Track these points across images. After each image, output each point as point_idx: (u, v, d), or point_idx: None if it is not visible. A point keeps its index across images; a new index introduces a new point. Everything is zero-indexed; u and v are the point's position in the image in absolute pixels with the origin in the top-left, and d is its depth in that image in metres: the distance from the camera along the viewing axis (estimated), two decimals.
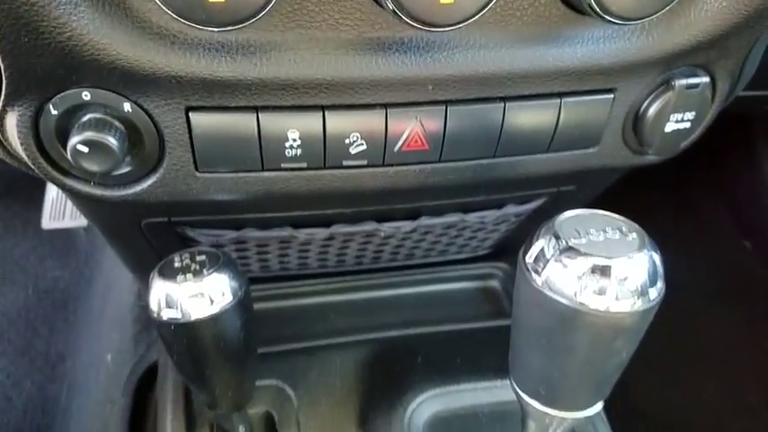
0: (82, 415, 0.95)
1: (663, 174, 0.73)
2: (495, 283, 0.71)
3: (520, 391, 0.40)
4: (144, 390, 0.80)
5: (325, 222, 0.57)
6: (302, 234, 0.58)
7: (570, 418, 0.39)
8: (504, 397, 0.53)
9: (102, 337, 0.96)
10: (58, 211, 1.04)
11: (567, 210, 0.49)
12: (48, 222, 1.03)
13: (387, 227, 0.59)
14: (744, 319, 1.20)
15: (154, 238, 0.54)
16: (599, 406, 0.39)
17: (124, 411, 0.84)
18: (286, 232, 0.58)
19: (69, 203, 1.04)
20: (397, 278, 0.69)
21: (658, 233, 0.38)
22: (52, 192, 1.04)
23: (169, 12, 0.30)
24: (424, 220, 0.58)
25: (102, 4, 0.31)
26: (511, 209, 0.59)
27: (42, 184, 1.04)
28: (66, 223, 1.03)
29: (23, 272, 1.10)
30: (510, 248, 0.71)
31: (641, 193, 1.06)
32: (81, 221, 1.06)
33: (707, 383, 1.09)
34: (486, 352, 0.58)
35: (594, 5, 0.34)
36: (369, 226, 0.58)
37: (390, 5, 0.32)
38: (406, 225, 0.59)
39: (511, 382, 0.41)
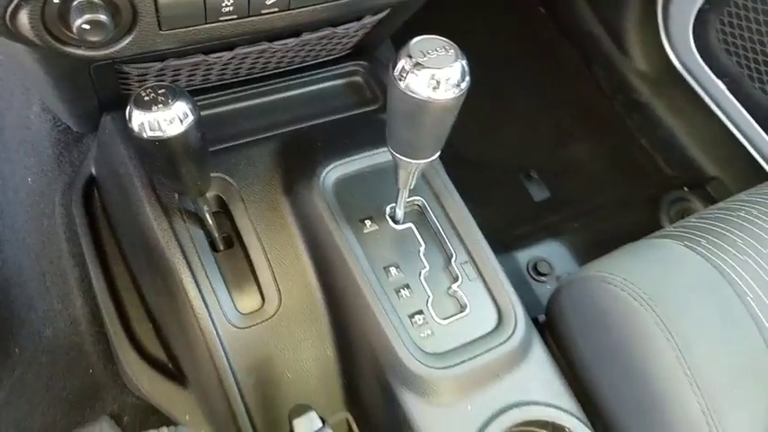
0: (16, 234, 1.07)
1: None
2: (358, 78, 0.92)
3: (394, 152, 0.65)
4: (83, 201, 0.95)
5: (229, 47, 0.73)
6: (211, 58, 0.74)
7: (422, 163, 0.66)
8: (381, 159, 0.78)
9: (15, 164, 1.05)
10: None
11: (401, 18, 0.71)
12: None
13: (277, 44, 0.77)
14: (538, 74, 1.56)
15: (96, 75, 0.68)
16: (437, 155, 0.66)
17: (67, 221, 1.00)
18: (199, 58, 0.73)
19: None
20: (283, 84, 0.88)
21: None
22: None
23: None
24: (305, 36, 0.77)
25: None
26: (367, 19, 0.79)
27: None
28: None
29: None
30: (363, 49, 0.91)
31: None
32: None
33: (511, 129, 1.47)
34: (362, 131, 0.82)
35: None
36: (263, 45, 0.76)
37: None
38: (291, 41, 0.77)
39: (389, 148, 0.65)
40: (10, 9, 0.48)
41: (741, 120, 1.32)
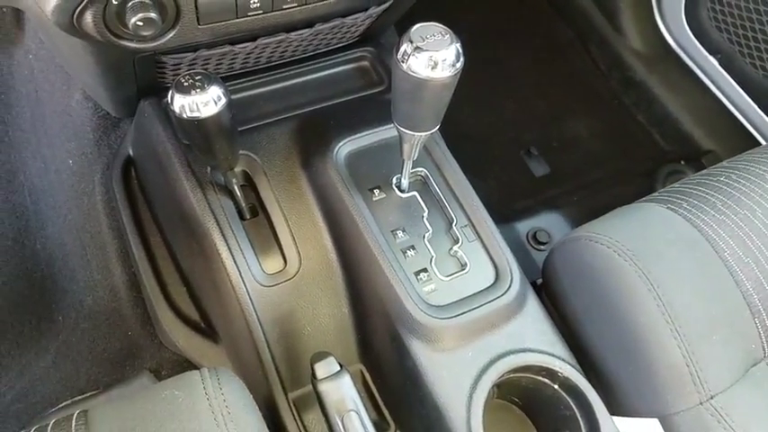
0: (58, 212, 1.18)
1: None
2: (365, 63, 1.01)
3: (399, 126, 0.73)
4: (122, 179, 1.06)
5: (252, 38, 0.82)
6: (237, 48, 0.83)
7: (424, 135, 0.74)
8: (387, 135, 0.86)
9: (57, 148, 1.15)
10: None
11: (404, 7, 0.79)
12: None
13: (293, 34, 0.85)
14: (536, 53, 1.63)
15: (138, 65, 0.77)
16: (437, 127, 0.73)
17: (106, 198, 1.10)
18: (226, 48, 0.83)
19: None
20: (299, 70, 0.97)
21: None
22: None
23: None
24: (318, 26, 0.85)
25: None
26: (372, 10, 0.87)
27: None
28: None
29: None
30: (370, 35, 0.99)
31: None
32: None
33: (508, 104, 1.52)
34: (370, 111, 0.90)
35: None
36: (281, 36, 0.84)
37: None
38: (306, 31, 0.86)
39: (394, 123, 0.72)
40: (78, 10, 0.57)
41: (734, 94, 1.38)
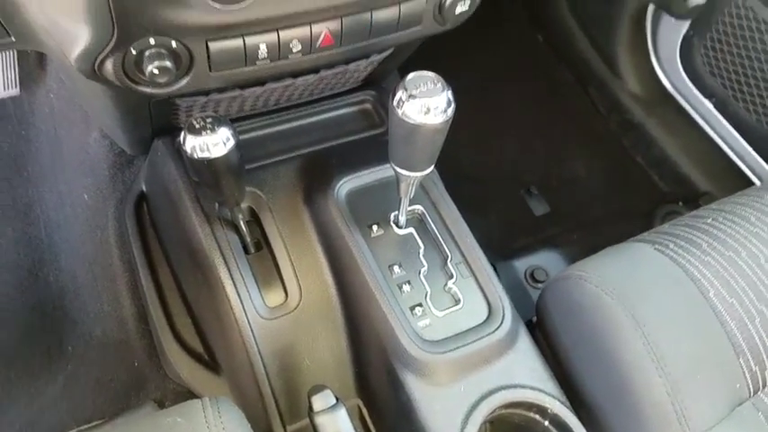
0: (72, 245, 1.22)
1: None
2: (368, 106, 1.06)
3: (395, 167, 0.78)
4: (135, 214, 1.10)
5: (261, 83, 0.87)
6: (247, 92, 0.89)
7: (419, 175, 0.78)
8: (386, 174, 0.90)
9: (73, 183, 1.20)
10: None
11: (404, 54, 0.84)
12: None
13: (299, 80, 0.91)
14: (536, 95, 1.68)
15: (154, 108, 0.83)
16: (431, 168, 0.78)
17: (119, 232, 1.15)
18: (236, 92, 0.88)
19: (1, 78, 1.19)
20: (304, 112, 1.03)
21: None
22: None
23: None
24: (323, 72, 0.91)
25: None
26: (374, 57, 0.93)
27: None
28: (2, 95, 1.19)
29: None
30: (373, 80, 1.05)
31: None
32: (12, 92, 1.22)
33: (509, 144, 1.56)
34: (371, 151, 0.94)
35: None
36: (288, 81, 0.90)
37: None
38: (311, 77, 0.91)
39: (390, 164, 0.77)
40: (99, 59, 0.63)
41: (729, 137, 1.41)
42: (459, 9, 0.76)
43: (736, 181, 1.40)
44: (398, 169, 0.76)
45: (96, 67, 0.64)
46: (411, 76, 0.68)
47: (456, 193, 0.99)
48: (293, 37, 0.69)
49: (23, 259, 1.22)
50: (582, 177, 1.53)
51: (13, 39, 0.66)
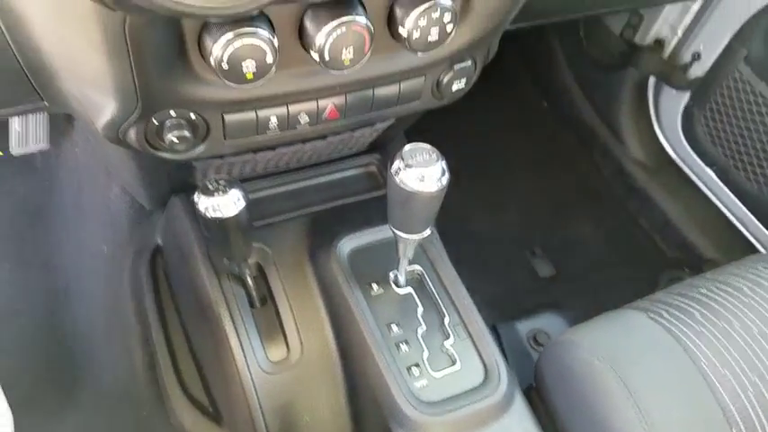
0: (89, 294, 1.27)
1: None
2: (373, 168, 1.11)
3: (394, 229, 0.82)
4: (150, 267, 1.16)
5: (272, 147, 0.93)
6: (258, 156, 0.95)
7: (416, 237, 0.82)
8: (387, 233, 0.92)
9: (93, 234, 1.26)
10: (23, 139, 1.28)
11: (409, 121, 0.90)
12: (16, 149, 1.27)
13: (308, 145, 0.97)
14: (541, 159, 1.72)
15: (173, 169, 0.89)
16: (428, 231, 0.82)
17: (134, 283, 1.19)
18: (249, 156, 0.94)
19: (31, 132, 1.27)
20: (313, 173, 1.08)
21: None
22: (15, 125, 1.27)
23: (221, 78, 0.63)
24: (330, 139, 0.97)
25: (194, 78, 0.64)
26: (378, 125, 0.98)
27: (3, 122, 1.25)
28: (31, 148, 1.28)
29: None
30: (377, 145, 1.10)
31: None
32: (41, 146, 1.30)
33: (514, 205, 1.59)
34: (373, 211, 0.99)
35: (409, 47, 0.68)
36: (297, 146, 0.96)
37: (320, 62, 0.67)
38: (318, 143, 0.97)
39: (389, 226, 0.83)
40: (123, 128, 0.69)
41: (732, 204, 1.44)
42: (456, 87, 0.81)
43: (741, 248, 1.41)
44: (397, 231, 0.80)
45: (120, 135, 0.70)
46: (408, 147, 0.73)
47: (461, 254, 1.02)
48: (301, 110, 0.75)
49: (41, 307, 1.27)
50: (587, 240, 1.56)
51: (47, 103, 0.73)
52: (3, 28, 0.59)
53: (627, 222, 1.58)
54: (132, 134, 0.70)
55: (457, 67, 0.79)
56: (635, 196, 1.60)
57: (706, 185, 1.48)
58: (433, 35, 0.66)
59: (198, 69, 0.64)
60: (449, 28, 0.66)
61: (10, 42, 0.60)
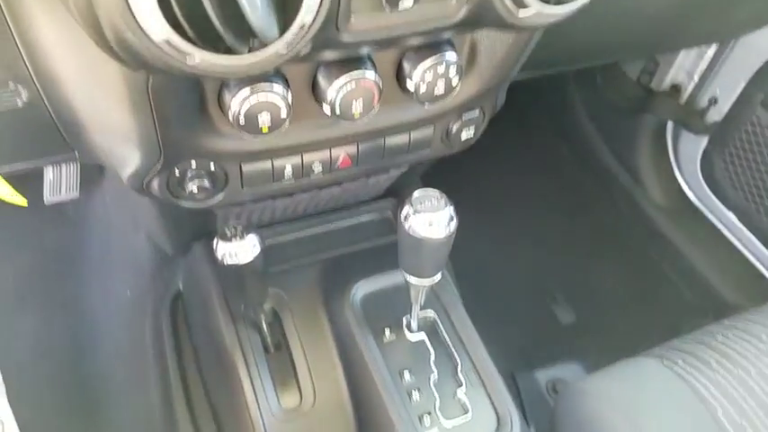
0: (111, 337, 1.31)
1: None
2: (388, 213, 1.14)
3: (405, 273, 0.83)
4: (170, 312, 1.19)
5: (290, 194, 0.96)
6: (277, 202, 0.98)
7: (427, 282, 0.83)
8: (400, 279, 0.94)
9: (118, 280, 1.30)
10: (55, 188, 1.34)
11: (419, 170, 0.92)
12: (48, 198, 1.33)
13: (324, 191, 0.99)
14: (562, 204, 1.73)
15: (194, 216, 0.92)
16: (438, 276, 0.83)
17: (154, 327, 1.22)
18: (267, 202, 0.97)
19: (64, 182, 1.34)
20: (329, 218, 1.11)
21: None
22: (49, 174, 1.33)
23: (240, 132, 0.66)
24: (345, 185, 0.99)
25: (214, 130, 0.67)
26: (393, 172, 1.01)
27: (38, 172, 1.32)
28: (63, 197, 1.33)
29: (28, 237, 1.40)
30: (393, 191, 1.13)
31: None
32: (73, 195, 1.36)
33: (534, 250, 1.58)
34: (387, 256, 1.00)
35: (417, 99, 0.71)
36: (314, 192, 0.98)
37: (332, 114, 0.69)
38: (334, 189, 1.00)
39: (401, 270, 0.84)
40: (147, 179, 0.72)
41: (756, 249, 1.41)
42: (465, 135, 0.84)
43: (766, 295, 1.37)
44: (408, 276, 0.82)
45: (144, 185, 0.74)
46: (417, 193, 0.75)
47: (479, 299, 1.02)
48: (315, 159, 0.77)
49: (64, 349, 1.30)
50: (608, 286, 1.54)
51: (77, 154, 0.77)
52: (39, 87, 0.63)
53: (648, 266, 1.56)
54: (155, 184, 0.74)
55: (465, 116, 0.82)
56: (656, 240, 1.58)
57: (728, 230, 1.46)
58: (440, 88, 0.69)
59: (217, 123, 0.68)
60: (454, 81, 0.69)
61: (45, 99, 0.65)
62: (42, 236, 1.38)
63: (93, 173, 1.37)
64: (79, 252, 1.39)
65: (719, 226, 1.47)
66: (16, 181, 1.33)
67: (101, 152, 0.74)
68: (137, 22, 0.44)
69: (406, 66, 0.68)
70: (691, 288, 1.51)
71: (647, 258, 1.58)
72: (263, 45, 0.48)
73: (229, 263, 0.78)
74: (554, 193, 1.72)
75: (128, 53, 0.47)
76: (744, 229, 1.41)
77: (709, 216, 1.49)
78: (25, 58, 0.59)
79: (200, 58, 0.47)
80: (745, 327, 0.88)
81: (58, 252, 1.39)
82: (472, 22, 0.59)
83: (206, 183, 0.74)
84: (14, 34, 0.57)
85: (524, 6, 0.55)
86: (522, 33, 0.70)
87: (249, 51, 0.48)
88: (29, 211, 1.32)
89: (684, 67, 1.45)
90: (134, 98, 0.61)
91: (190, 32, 0.45)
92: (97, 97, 0.63)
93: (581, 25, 0.69)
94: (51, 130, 0.70)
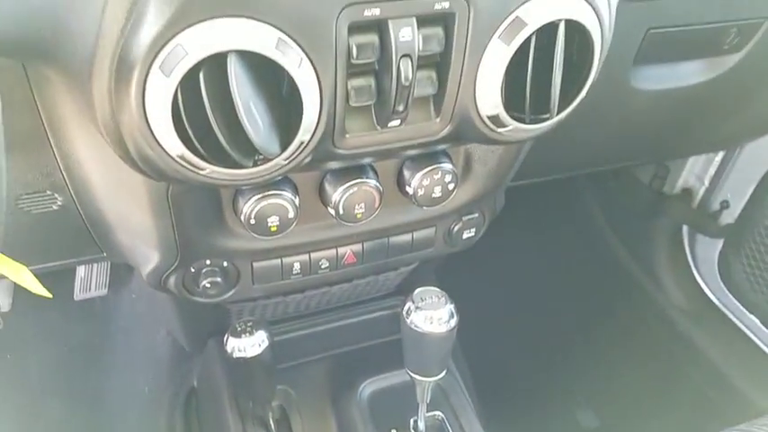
0: (126, 429, 1.32)
1: None
2: (399, 310, 1.16)
3: (409, 371, 0.84)
4: (184, 408, 1.20)
5: (301, 290, 1.01)
6: (289, 298, 1.02)
7: (432, 381, 0.84)
8: (407, 377, 0.98)
9: (137, 375, 1.34)
10: (85, 285, 1.42)
11: (428, 266, 0.96)
12: (78, 295, 1.41)
13: (335, 288, 1.03)
14: (582, 307, 1.71)
15: (209, 312, 0.97)
16: (443, 374, 0.84)
17: (169, 423, 1.23)
18: (279, 299, 1.01)
19: (94, 279, 1.41)
20: (340, 314, 1.14)
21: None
22: (80, 272, 1.41)
23: (251, 233, 0.72)
24: (355, 282, 1.03)
25: (228, 232, 0.73)
26: (402, 269, 1.04)
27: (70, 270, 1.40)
28: (92, 294, 1.41)
29: (56, 331, 1.46)
30: (404, 287, 1.16)
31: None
32: (101, 292, 1.43)
33: (556, 353, 1.56)
34: (397, 353, 1.02)
35: (416, 202, 0.76)
36: (324, 289, 1.02)
37: (336, 216, 0.75)
38: (345, 285, 1.04)
39: (406, 369, 0.85)
40: (165, 276, 0.78)
41: None
42: (467, 235, 0.88)
43: None
44: (412, 374, 0.83)
45: (162, 282, 0.79)
46: (418, 290, 0.79)
47: (498, 401, 1.01)
48: (322, 257, 0.82)
49: None
50: (632, 390, 1.49)
51: (105, 254, 0.84)
52: (72, 193, 0.71)
53: (672, 369, 1.51)
54: (172, 281, 0.79)
55: (465, 218, 0.86)
56: (679, 342, 1.54)
57: (752, 332, 1.42)
58: (437, 193, 0.74)
59: (231, 224, 0.74)
60: (450, 187, 0.74)
61: (77, 204, 0.72)
62: (69, 330, 1.44)
63: (122, 272, 1.44)
64: (103, 347, 1.44)
65: (743, 328, 1.44)
66: (46, 277, 1.41)
67: (125, 251, 0.81)
68: (156, 139, 0.50)
69: (406, 173, 0.74)
70: (718, 392, 1.45)
71: (670, 361, 1.54)
72: (267, 159, 0.54)
73: (237, 356, 0.81)
74: (574, 294, 1.72)
75: (148, 166, 0.54)
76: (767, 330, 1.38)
77: (732, 318, 1.46)
78: (62, 167, 0.67)
79: (210, 171, 0.53)
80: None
81: (83, 346, 1.44)
82: (457, 138, 0.65)
83: (219, 279, 0.79)
84: (53, 147, 0.65)
85: (503, 126, 0.61)
86: (510, 146, 0.76)
87: (254, 165, 0.54)
88: (57, 305, 1.39)
89: (694, 172, 1.49)
90: (155, 204, 0.68)
91: (201, 150, 0.51)
92: (122, 201, 0.71)
93: (567, 135, 0.74)
94: (82, 232, 0.77)
